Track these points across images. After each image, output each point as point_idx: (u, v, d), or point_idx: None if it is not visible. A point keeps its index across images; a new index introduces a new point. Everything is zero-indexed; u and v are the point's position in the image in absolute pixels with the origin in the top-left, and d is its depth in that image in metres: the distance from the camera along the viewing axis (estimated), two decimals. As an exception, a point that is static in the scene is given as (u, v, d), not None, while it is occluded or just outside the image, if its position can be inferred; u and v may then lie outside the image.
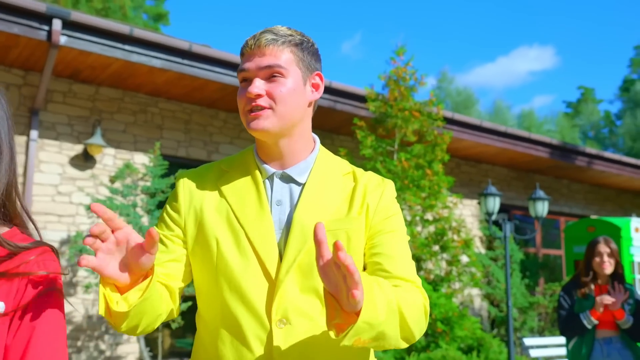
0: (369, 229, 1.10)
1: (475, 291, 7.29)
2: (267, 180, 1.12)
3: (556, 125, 29.19)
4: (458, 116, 6.69)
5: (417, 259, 5.37)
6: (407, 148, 5.69)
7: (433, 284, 5.25)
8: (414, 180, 5.38)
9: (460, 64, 66.98)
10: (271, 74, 1.07)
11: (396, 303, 0.95)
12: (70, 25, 4.27)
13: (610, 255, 3.11)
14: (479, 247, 7.68)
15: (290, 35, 1.10)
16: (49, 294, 0.95)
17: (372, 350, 1.16)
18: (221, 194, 1.11)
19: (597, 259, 3.13)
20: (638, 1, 64.84)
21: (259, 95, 1.06)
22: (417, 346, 5.06)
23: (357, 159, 6.26)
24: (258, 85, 1.06)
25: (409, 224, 5.37)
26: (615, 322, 3.04)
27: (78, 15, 4.27)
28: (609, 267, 3.10)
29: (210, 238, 1.08)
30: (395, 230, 1.13)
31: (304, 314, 1.04)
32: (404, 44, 5.76)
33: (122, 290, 0.95)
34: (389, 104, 5.58)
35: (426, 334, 5.18)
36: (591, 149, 8.25)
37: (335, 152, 6.38)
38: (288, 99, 1.07)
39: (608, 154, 8.51)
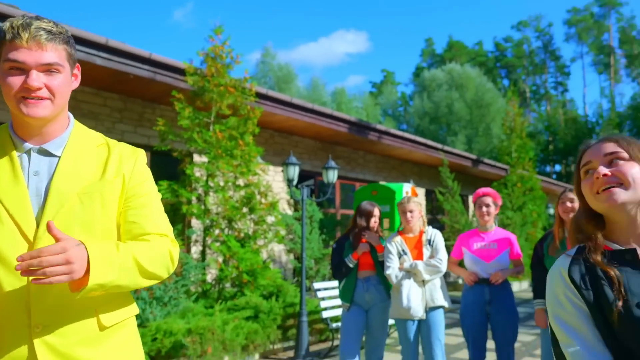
0: (125, 193, 1.32)
1: (281, 247, 8.29)
2: (25, 155, 1.26)
3: (362, 103, 32.66)
4: (272, 93, 7.41)
5: (229, 220, 6.03)
6: (223, 120, 6.22)
7: (242, 242, 5.99)
8: (227, 150, 5.98)
9: (286, 40, 68.76)
10: (49, 69, 1.21)
11: (133, 260, 1.20)
12: None
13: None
14: (286, 209, 8.69)
15: (60, 32, 1.24)
16: None
17: (129, 294, 1.38)
18: None
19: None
20: (431, -2, 73.81)
21: (39, 88, 1.20)
22: (225, 295, 5.78)
23: (176, 129, 6.60)
24: (37, 79, 1.19)
25: (222, 189, 5.98)
26: (376, 255, 3.97)
27: None
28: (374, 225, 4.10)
29: None
30: (149, 194, 1.35)
31: None
32: (222, 24, 6.21)
33: None
34: (206, 79, 6.01)
35: (233, 284, 5.93)
36: (381, 126, 9.82)
37: (154, 122, 6.62)
38: (63, 91, 1.25)
39: (393, 131, 10.23)
